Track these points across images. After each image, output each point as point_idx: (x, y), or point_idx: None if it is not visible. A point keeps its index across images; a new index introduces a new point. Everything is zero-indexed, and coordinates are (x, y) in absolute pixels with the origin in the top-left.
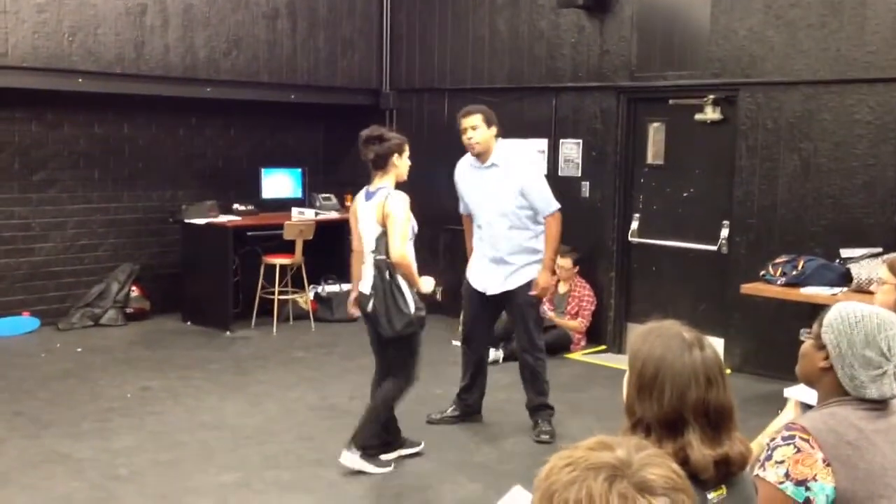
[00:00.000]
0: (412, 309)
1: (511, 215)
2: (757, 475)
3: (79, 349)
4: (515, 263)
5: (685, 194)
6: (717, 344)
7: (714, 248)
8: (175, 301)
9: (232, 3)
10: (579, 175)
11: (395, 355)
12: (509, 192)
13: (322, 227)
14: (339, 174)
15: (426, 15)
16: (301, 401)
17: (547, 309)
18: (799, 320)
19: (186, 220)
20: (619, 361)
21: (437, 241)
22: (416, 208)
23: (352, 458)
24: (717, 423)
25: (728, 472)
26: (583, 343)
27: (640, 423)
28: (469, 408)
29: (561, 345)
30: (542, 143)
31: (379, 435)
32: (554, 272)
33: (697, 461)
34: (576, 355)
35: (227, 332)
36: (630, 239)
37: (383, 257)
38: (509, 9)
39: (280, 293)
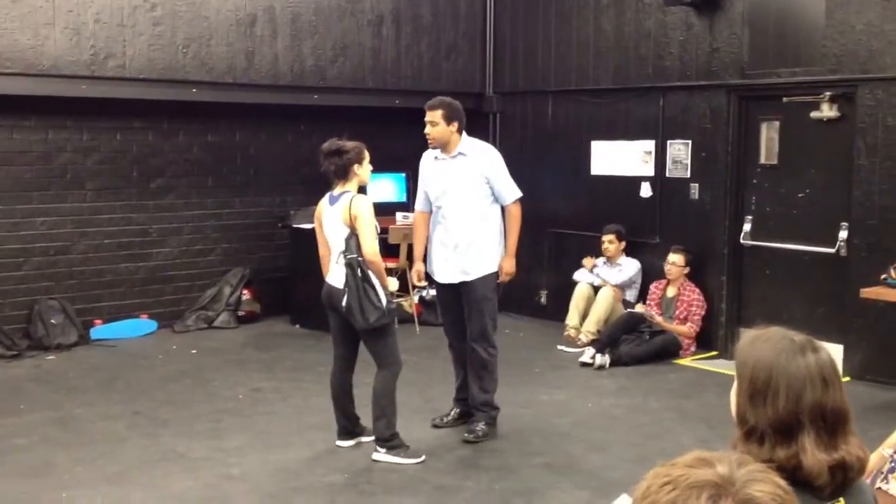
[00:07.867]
0: (384, 302)
1: (473, 204)
2: (879, 488)
3: (193, 351)
4: (473, 253)
5: (800, 195)
6: (835, 350)
7: (832, 250)
8: (284, 304)
9: (338, 11)
10: (688, 176)
11: (375, 347)
12: (474, 180)
13: None
14: None
15: (529, 17)
16: (405, 404)
17: (655, 313)
18: None
19: (295, 225)
20: (731, 367)
21: (541, 245)
22: (523, 211)
23: (382, 456)
24: (834, 427)
25: (845, 478)
26: (692, 349)
27: (753, 431)
28: (469, 407)
29: (670, 350)
30: (649, 145)
31: (393, 426)
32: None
33: (811, 466)
34: (685, 361)
35: None
36: (742, 241)
37: (355, 255)
38: (614, 8)
39: None
